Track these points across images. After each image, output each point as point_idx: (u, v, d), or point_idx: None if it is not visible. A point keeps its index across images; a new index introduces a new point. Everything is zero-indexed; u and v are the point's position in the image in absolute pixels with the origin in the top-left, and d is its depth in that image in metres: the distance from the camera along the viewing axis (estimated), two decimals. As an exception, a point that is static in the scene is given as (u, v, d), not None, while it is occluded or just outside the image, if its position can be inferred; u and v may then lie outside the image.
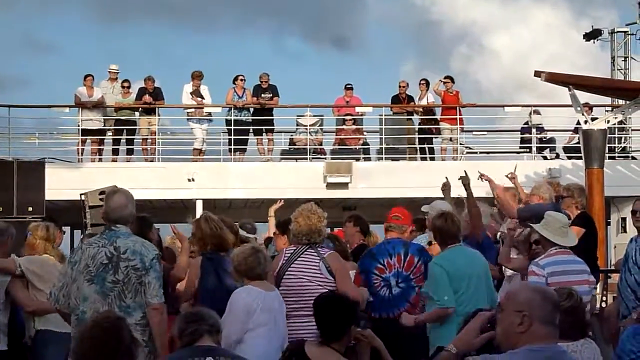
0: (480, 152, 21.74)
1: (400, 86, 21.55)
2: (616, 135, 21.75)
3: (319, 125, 21.54)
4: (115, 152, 21.17)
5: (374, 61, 72.17)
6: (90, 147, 20.94)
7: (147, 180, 19.15)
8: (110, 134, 21.19)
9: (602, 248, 11.10)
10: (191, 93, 20.74)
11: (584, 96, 17.98)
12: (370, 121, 22.25)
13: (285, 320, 7.16)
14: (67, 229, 20.50)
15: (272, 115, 21.19)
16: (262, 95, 20.76)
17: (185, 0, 70.42)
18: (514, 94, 71.84)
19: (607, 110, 20.22)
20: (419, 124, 21.64)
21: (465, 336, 4.48)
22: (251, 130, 21.11)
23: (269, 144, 21.47)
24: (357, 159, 20.88)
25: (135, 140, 21.22)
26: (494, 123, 23.80)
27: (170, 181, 20.03)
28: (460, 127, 21.35)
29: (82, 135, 20.67)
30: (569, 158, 20.91)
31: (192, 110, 20.85)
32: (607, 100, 22.23)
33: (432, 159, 21.60)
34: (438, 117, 21.64)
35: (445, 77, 21.72)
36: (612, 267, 14.42)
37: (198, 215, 9.82)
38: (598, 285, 10.26)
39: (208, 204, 18.97)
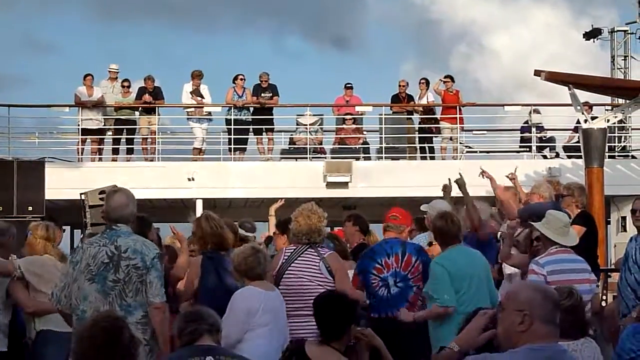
0: (480, 151, 21.74)
1: (400, 85, 21.55)
2: (616, 135, 21.75)
3: (319, 125, 21.54)
4: (115, 151, 21.17)
5: (374, 60, 72.21)
6: (90, 146, 20.93)
7: (147, 179, 19.15)
8: (110, 133, 21.19)
9: (602, 247, 11.10)
10: (191, 92, 20.74)
11: (583, 95, 17.98)
12: (370, 120, 22.27)
13: (286, 320, 7.17)
14: (67, 228, 20.52)
15: (272, 114, 21.19)
16: (262, 94, 20.76)
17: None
18: (514, 93, 71.83)
19: (607, 110, 20.24)
20: (419, 123, 21.65)
21: (467, 335, 4.49)
22: (251, 129, 21.11)
23: (268, 143, 21.47)
24: (357, 159, 20.88)
25: (135, 140, 21.23)
26: (493, 122, 23.83)
27: (170, 180, 20.03)
28: (460, 127, 21.35)
29: (82, 135, 20.68)
30: (569, 157, 20.91)
31: (192, 109, 20.85)
32: (607, 99, 22.23)
33: (432, 158, 21.61)
34: (438, 116, 21.64)
35: (445, 77, 21.73)
36: (612, 266, 14.42)
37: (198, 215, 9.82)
38: (599, 284, 10.24)
39: (208, 203, 18.98)
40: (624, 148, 22.36)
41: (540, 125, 21.58)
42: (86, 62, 64.71)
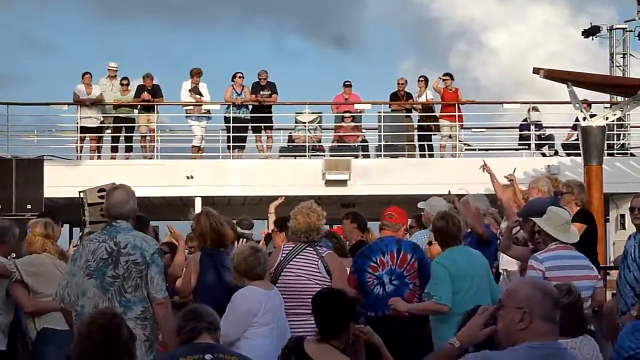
0: (479, 149, 21.74)
1: (398, 83, 21.55)
2: (615, 132, 21.76)
3: (318, 123, 21.55)
4: (114, 149, 21.19)
5: (373, 59, 72.11)
6: (89, 144, 20.94)
7: (146, 177, 19.12)
8: (109, 131, 21.21)
9: (600, 245, 11.08)
10: (190, 90, 20.75)
11: (582, 93, 17.97)
12: (369, 118, 22.27)
13: (286, 318, 7.17)
14: (66, 226, 20.52)
15: (270, 112, 21.19)
16: (261, 92, 20.76)
17: (185, -2, 70.40)
18: (513, 91, 71.78)
19: (606, 107, 20.23)
20: (418, 121, 21.66)
21: (468, 330, 4.48)
22: (250, 127, 21.12)
23: (267, 141, 21.46)
24: (356, 156, 20.89)
25: (134, 138, 21.23)
26: (492, 120, 23.84)
27: (169, 178, 20.03)
28: (459, 124, 21.36)
29: (80, 133, 20.69)
30: (568, 155, 20.92)
31: (191, 107, 20.86)
32: (606, 97, 22.22)
33: (431, 156, 21.62)
34: (437, 114, 21.64)
35: (444, 75, 21.74)
36: (611, 264, 14.43)
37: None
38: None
39: (207, 201, 18.97)
40: (622, 146, 22.36)
41: (539, 123, 21.58)
42: (85, 61, 64.73)
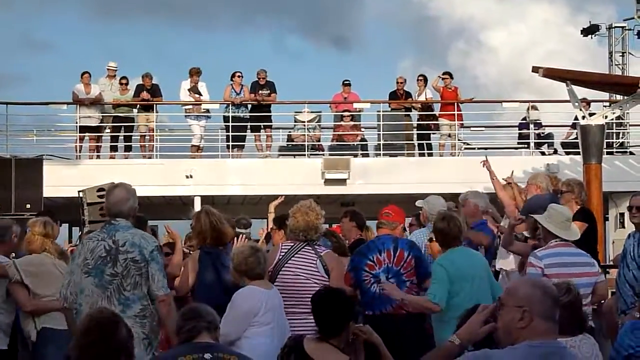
0: (478, 148, 21.73)
1: (397, 82, 21.55)
2: (614, 131, 21.75)
3: (317, 122, 21.55)
4: (114, 148, 21.18)
5: (372, 58, 72.14)
6: (88, 144, 20.94)
7: (145, 177, 19.10)
8: (108, 130, 21.21)
9: (600, 244, 11.09)
10: (189, 90, 20.75)
11: (581, 91, 17.97)
12: (368, 117, 22.26)
13: (286, 317, 7.17)
14: (65, 225, 20.54)
15: (269, 111, 21.18)
16: (260, 91, 20.76)
17: (184, -3, 70.37)
18: (512, 90, 71.85)
19: (605, 106, 20.19)
20: (417, 120, 21.66)
21: (468, 328, 4.48)
22: (249, 126, 21.12)
23: (266, 140, 21.46)
24: (355, 155, 20.89)
25: (133, 137, 21.23)
26: (491, 119, 23.81)
27: (168, 178, 20.02)
28: (459, 123, 21.35)
29: (79, 132, 20.69)
30: (567, 153, 20.92)
31: (190, 106, 20.87)
32: (605, 95, 22.22)
33: (430, 155, 21.62)
34: (437, 113, 21.64)
35: (443, 73, 21.74)
36: (610, 263, 14.44)
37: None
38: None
39: (206, 200, 18.96)
40: (622, 144, 22.36)
41: (538, 121, 21.59)
42: (84, 60, 64.72)
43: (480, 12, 69.20)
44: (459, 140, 21.65)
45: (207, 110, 21.19)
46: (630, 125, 22.72)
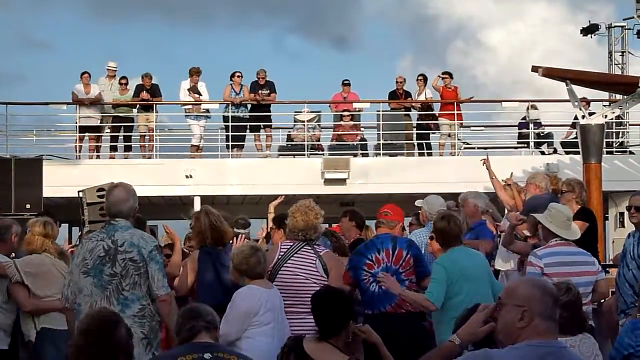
0: (478, 148, 21.73)
1: (397, 82, 21.55)
2: (614, 130, 21.75)
3: (317, 121, 21.55)
4: (113, 148, 21.18)
5: (371, 57, 72.19)
6: (88, 144, 20.94)
7: (144, 177, 19.11)
8: (108, 130, 21.21)
9: (600, 243, 11.09)
10: (189, 90, 20.75)
11: (581, 91, 17.96)
12: (368, 117, 22.27)
13: (285, 317, 7.17)
14: (65, 225, 20.52)
15: (269, 111, 21.19)
16: (260, 91, 20.76)
17: (183, -4, 70.33)
18: (511, 89, 71.86)
19: (605, 105, 20.21)
20: (417, 120, 21.66)
21: (468, 328, 4.48)
22: (248, 126, 21.12)
23: (266, 140, 21.46)
24: (355, 155, 20.89)
25: (133, 137, 21.24)
26: (491, 118, 23.83)
27: (168, 178, 20.02)
28: (459, 123, 21.35)
29: (79, 132, 20.70)
30: (567, 153, 20.91)
31: (190, 106, 20.87)
32: (605, 94, 22.22)
33: (430, 154, 21.62)
34: (436, 112, 21.64)
35: (443, 73, 21.73)
36: (610, 262, 14.44)
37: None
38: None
39: (206, 200, 18.95)
40: (621, 144, 22.35)
41: (538, 121, 21.58)
42: (82, 59, 64.64)
43: (479, 11, 69.21)
44: (458, 139, 21.64)
45: (207, 110, 21.19)
46: (629, 125, 22.71)
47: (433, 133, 21.85)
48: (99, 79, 21.01)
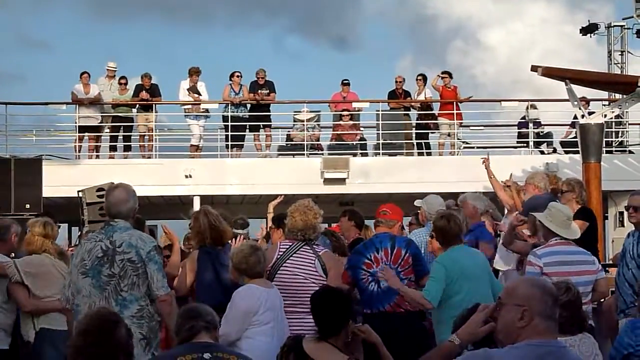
0: (478, 147, 21.72)
1: (396, 81, 21.54)
2: (613, 129, 21.74)
3: (316, 121, 21.54)
4: (113, 148, 21.17)
5: (370, 57, 72.23)
6: (87, 144, 20.94)
7: (144, 176, 19.11)
8: (108, 130, 21.21)
9: (599, 242, 11.11)
10: (188, 89, 20.74)
11: (580, 90, 17.96)
12: (367, 116, 22.26)
13: (285, 317, 7.18)
14: (64, 225, 20.53)
15: (269, 111, 21.18)
16: (259, 91, 20.76)
17: (182, -4, 70.33)
18: (510, 89, 71.88)
19: (604, 105, 20.21)
20: (417, 119, 21.65)
21: (468, 328, 4.48)
22: (248, 126, 21.11)
23: (266, 140, 21.46)
24: (354, 155, 20.89)
25: (132, 137, 21.23)
26: (490, 118, 23.82)
27: (168, 178, 20.02)
28: (458, 122, 21.35)
29: (79, 132, 20.69)
30: (566, 152, 20.91)
31: (189, 106, 20.86)
32: (604, 94, 22.23)
33: (429, 154, 21.61)
34: (436, 112, 21.64)
35: (443, 72, 21.73)
36: (610, 262, 14.44)
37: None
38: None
39: (205, 200, 18.96)
40: (621, 143, 22.35)
41: (537, 120, 21.58)
42: (82, 59, 64.64)
43: (479, 11, 69.23)
44: (458, 139, 21.64)
45: (206, 110, 21.18)
46: (629, 124, 22.71)
47: (432, 133, 21.85)
48: (98, 79, 21.01)
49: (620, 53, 26.55)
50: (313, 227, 7.73)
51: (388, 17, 72.22)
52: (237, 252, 7.22)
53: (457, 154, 21.38)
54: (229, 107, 20.69)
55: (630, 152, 21.91)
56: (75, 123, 20.64)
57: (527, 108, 21.43)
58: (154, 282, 6.46)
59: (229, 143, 20.74)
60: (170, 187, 20.16)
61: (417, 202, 10.48)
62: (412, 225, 11.24)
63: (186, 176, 20.01)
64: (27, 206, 15.75)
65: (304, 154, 20.89)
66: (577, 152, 17.97)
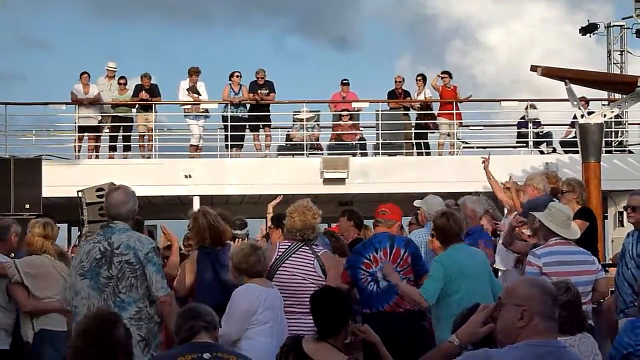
0: (477, 147, 21.72)
1: (396, 81, 21.54)
2: (613, 129, 21.74)
3: (316, 121, 21.54)
4: (112, 148, 21.17)
5: (370, 57, 72.25)
6: (87, 144, 20.94)
7: (144, 176, 19.11)
8: (107, 130, 21.21)
9: (599, 242, 11.12)
10: (188, 89, 20.74)
11: (580, 90, 17.96)
12: (367, 116, 22.26)
13: (285, 317, 7.18)
14: (64, 226, 20.53)
15: (268, 111, 21.18)
16: (259, 91, 20.76)
17: (182, -4, 70.33)
18: (510, 89, 71.91)
19: (604, 104, 20.22)
20: (416, 119, 21.65)
21: (468, 328, 4.48)
22: (248, 126, 21.11)
23: (265, 140, 21.45)
24: (354, 155, 20.88)
25: (132, 137, 21.23)
26: (490, 118, 23.82)
27: (167, 177, 20.01)
28: (458, 122, 21.34)
29: (78, 132, 20.69)
30: (566, 152, 20.91)
31: (189, 106, 20.86)
32: (604, 94, 22.23)
33: (429, 154, 21.61)
34: (435, 112, 21.63)
35: (442, 72, 21.72)
36: (609, 261, 14.44)
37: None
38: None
39: (205, 200, 18.97)
40: (620, 143, 22.35)
41: (537, 120, 21.58)
42: (82, 59, 64.70)
43: (478, 11, 69.26)
44: (457, 139, 21.64)
45: (206, 110, 21.18)
46: (628, 124, 22.71)
47: (432, 132, 21.84)
48: (98, 79, 21.01)
49: (619, 53, 26.57)
50: (312, 228, 7.73)
51: (388, 17, 72.29)
52: (237, 252, 7.22)
53: (457, 154, 21.38)
54: (229, 107, 20.69)
55: (629, 152, 21.91)
56: (75, 123, 20.64)
57: (527, 108, 21.43)
58: (153, 283, 6.46)
59: (229, 143, 20.74)
60: (170, 187, 20.16)
61: (416, 203, 10.48)
62: (411, 226, 11.24)
63: (186, 176, 20.01)
64: (27, 206, 15.75)
65: (303, 154, 20.89)
66: (576, 152, 17.97)
